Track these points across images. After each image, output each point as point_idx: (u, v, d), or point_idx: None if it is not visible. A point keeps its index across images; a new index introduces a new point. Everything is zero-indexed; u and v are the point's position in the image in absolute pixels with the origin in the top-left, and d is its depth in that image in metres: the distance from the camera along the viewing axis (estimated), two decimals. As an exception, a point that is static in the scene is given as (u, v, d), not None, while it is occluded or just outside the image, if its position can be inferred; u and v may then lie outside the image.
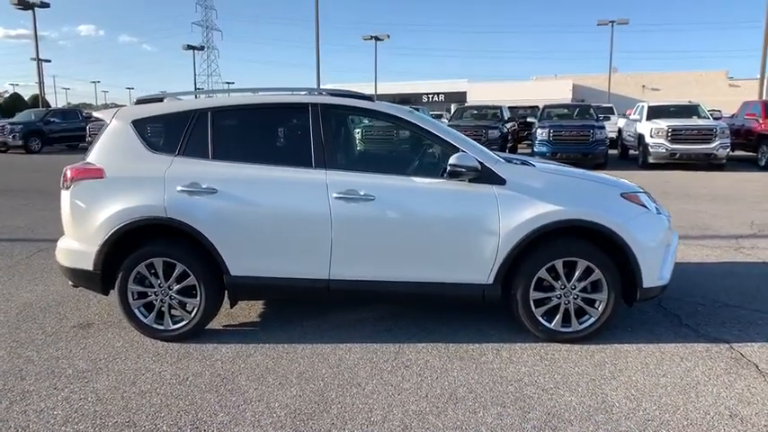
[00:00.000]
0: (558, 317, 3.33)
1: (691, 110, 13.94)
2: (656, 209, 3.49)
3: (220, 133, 3.43)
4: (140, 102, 3.69)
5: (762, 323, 3.64)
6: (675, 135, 12.30)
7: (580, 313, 3.35)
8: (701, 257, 5.32)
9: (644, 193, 3.54)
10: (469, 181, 3.24)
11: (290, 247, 3.32)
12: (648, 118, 13.30)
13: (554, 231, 3.21)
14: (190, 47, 45.22)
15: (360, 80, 49.69)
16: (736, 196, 9.23)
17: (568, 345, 3.33)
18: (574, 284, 3.30)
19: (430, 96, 53.61)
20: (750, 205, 8.31)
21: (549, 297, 3.33)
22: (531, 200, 3.21)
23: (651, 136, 12.58)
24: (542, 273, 3.28)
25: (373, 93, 40.32)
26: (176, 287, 3.41)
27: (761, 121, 12.91)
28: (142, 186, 3.35)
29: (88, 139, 19.27)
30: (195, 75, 48.72)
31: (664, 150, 12.35)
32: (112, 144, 3.48)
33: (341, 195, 3.25)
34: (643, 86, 45.08)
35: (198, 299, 3.40)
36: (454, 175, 3.18)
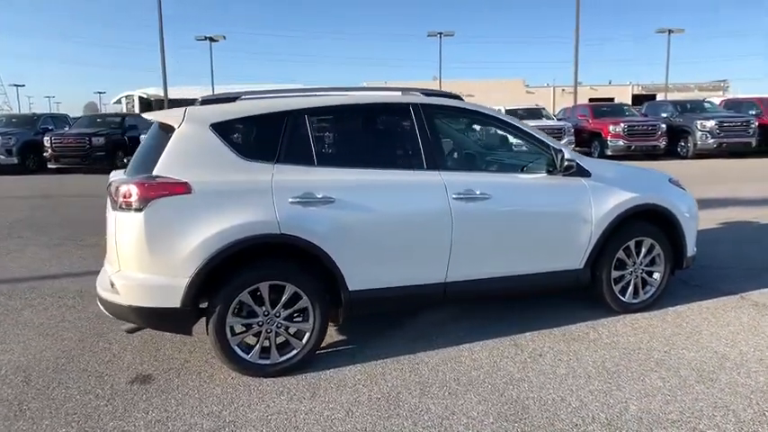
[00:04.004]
0: (629, 290, 3.80)
1: (538, 113, 16.35)
2: None
3: (321, 136, 3.11)
4: (208, 102, 3.12)
5: (740, 276, 4.61)
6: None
7: (643, 285, 3.86)
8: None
9: None
10: (564, 175, 3.50)
11: (411, 254, 3.18)
12: (509, 120, 15.21)
13: (632, 215, 3.65)
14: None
15: (192, 83, 45.98)
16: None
17: (640, 313, 3.81)
18: (641, 261, 3.80)
19: (265, 101, 52.41)
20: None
21: (623, 274, 3.78)
22: (613, 189, 3.60)
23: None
24: (620, 253, 3.71)
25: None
26: (284, 313, 3.00)
27: (590, 121, 15.78)
28: (245, 200, 2.87)
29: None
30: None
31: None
32: (192, 152, 2.89)
33: (460, 196, 3.22)
34: (460, 93, 50.67)
35: (311, 322, 3.04)
36: (568, 169, 3.41)
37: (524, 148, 3.71)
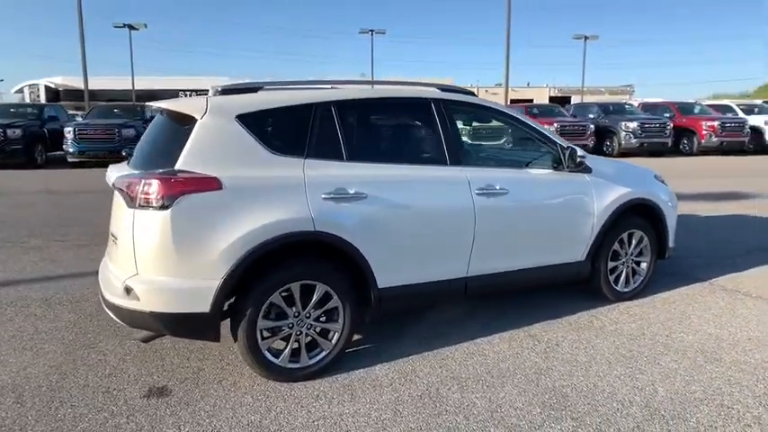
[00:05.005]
0: (621, 280, 4.04)
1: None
2: None
3: (349, 130, 3.00)
4: (228, 92, 2.91)
5: (704, 265, 5.02)
6: (476, 133, 14.86)
7: (632, 275, 4.12)
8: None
9: None
10: (570, 171, 3.64)
11: (437, 250, 3.17)
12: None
13: (627, 209, 3.87)
14: None
15: (108, 74, 42.62)
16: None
17: (630, 301, 4.05)
18: (632, 252, 4.04)
19: (188, 93, 50.09)
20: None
21: (617, 265, 4.00)
22: (611, 184, 3.80)
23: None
24: (616, 245, 3.93)
25: (131, 88, 35.46)
26: (314, 314, 2.88)
27: (527, 121, 16.58)
28: (278, 197, 2.71)
29: None
30: None
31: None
32: (218, 146, 2.68)
33: (482, 191, 3.26)
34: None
35: (341, 323, 2.94)
36: (579, 165, 3.54)
37: (523, 144, 3.83)
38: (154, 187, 2.53)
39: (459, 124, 3.75)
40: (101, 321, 3.70)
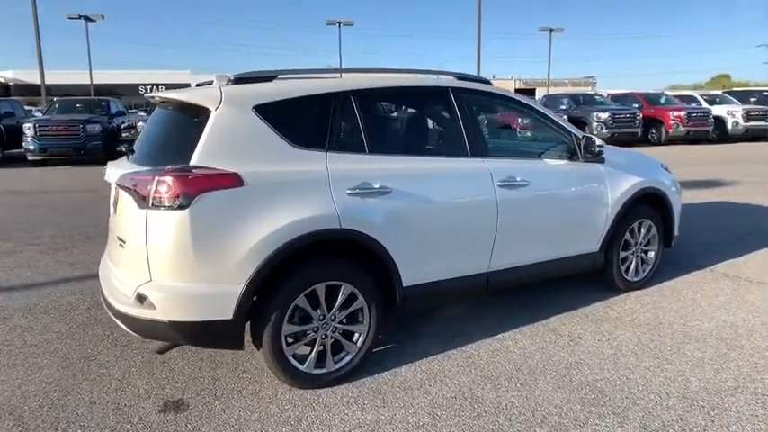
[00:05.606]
0: (631, 270, 4.03)
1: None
2: None
3: (369, 121, 2.84)
4: (241, 81, 2.69)
5: (702, 252, 5.09)
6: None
7: (641, 264, 4.12)
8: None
9: None
10: (585, 161, 3.59)
11: (461, 244, 3.06)
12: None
13: (637, 199, 3.86)
14: None
15: (61, 67, 40.50)
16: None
17: (640, 291, 4.06)
18: (641, 241, 4.04)
19: (148, 87, 48.41)
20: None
21: (627, 255, 3.99)
22: (624, 174, 3.78)
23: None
24: (627, 235, 3.91)
25: (88, 82, 33.91)
26: (340, 316, 2.73)
27: (500, 114, 16.67)
28: (302, 193, 2.54)
29: None
30: None
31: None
32: (235, 139, 2.48)
33: (503, 183, 3.16)
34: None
35: (366, 324, 2.80)
36: (598, 155, 3.49)
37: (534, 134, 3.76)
38: (169, 185, 2.31)
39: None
40: (96, 330, 3.44)
